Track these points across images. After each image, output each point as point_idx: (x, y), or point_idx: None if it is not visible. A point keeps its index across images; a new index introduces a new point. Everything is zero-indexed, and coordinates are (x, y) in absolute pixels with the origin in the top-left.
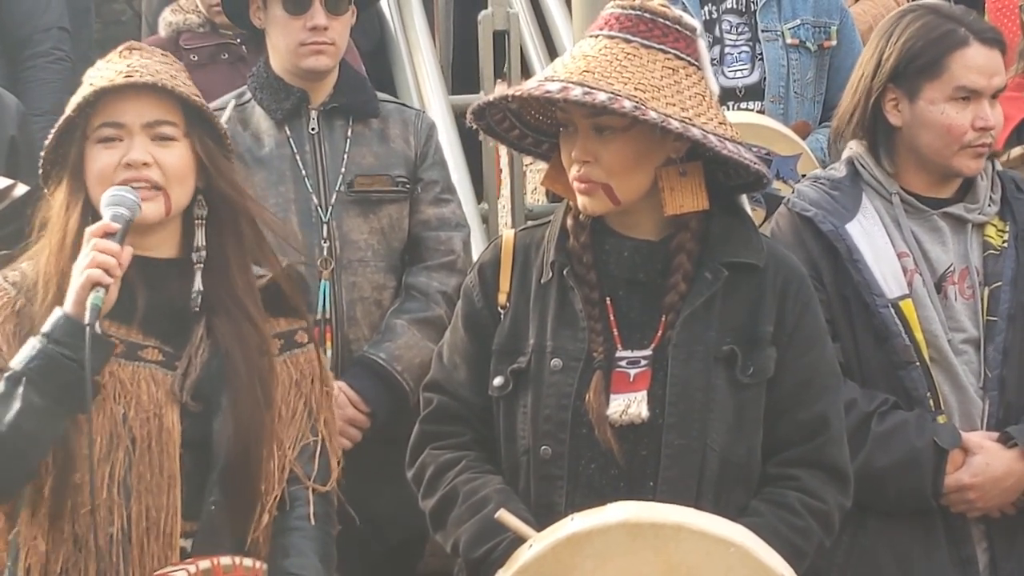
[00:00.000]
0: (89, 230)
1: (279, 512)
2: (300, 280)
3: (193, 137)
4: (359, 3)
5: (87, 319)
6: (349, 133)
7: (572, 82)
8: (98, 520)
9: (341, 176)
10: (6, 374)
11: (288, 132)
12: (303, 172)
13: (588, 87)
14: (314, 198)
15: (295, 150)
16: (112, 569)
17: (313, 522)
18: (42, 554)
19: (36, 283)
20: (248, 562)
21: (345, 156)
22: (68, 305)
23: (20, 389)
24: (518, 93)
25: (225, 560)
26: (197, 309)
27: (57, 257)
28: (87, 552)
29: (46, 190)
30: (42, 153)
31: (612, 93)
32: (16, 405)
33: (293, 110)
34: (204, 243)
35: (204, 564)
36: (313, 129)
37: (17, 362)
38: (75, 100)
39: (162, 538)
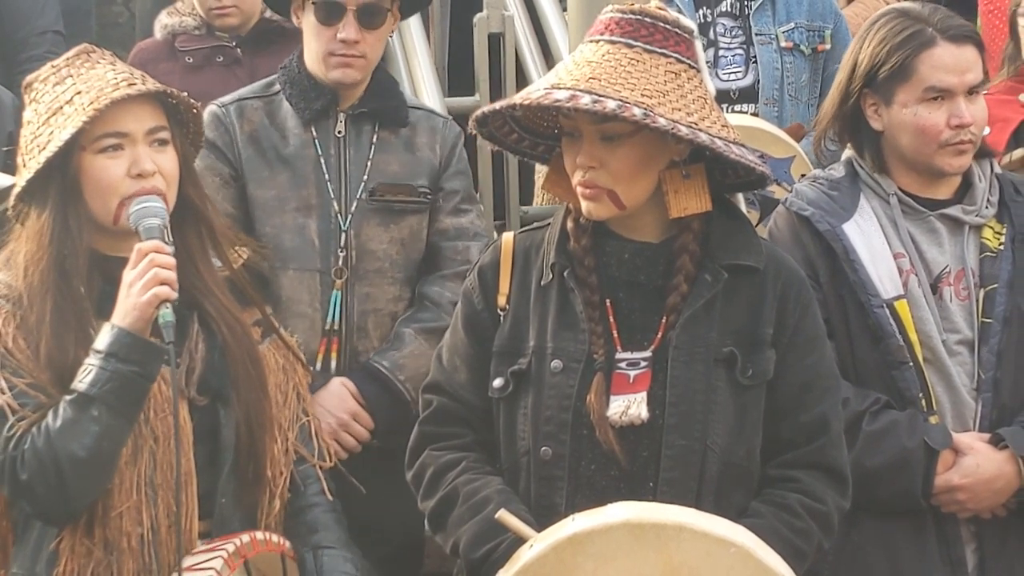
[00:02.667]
0: (140, 247)
1: (291, 494)
2: (260, 271)
3: (176, 139)
4: (403, 11)
5: (166, 337)
6: (375, 139)
7: (580, 90)
8: (129, 522)
9: (363, 183)
10: (69, 397)
11: (314, 133)
12: (326, 176)
13: (596, 95)
14: (335, 204)
15: (320, 152)
16: (145, 570)
17: (330, 497)
18: (82, 560)
19: (20, 296)
20: (275, 538)
21: (369, 163)
22: (126, 321)
23: (93, 412)
24: (525, 102)
25: (259, 535)
26: (177, 303)
27: (51, 272)
28: (119, 554)
29: (25, 202)
30: (33, 160)
31: (621, 100)
32: (94, 429)
33: (322, 111)
34: (171, 239)
35: (245, 537)
36: (339, 132)
37: (84, 385)
38: (80, 111)
39: (182, 535)
